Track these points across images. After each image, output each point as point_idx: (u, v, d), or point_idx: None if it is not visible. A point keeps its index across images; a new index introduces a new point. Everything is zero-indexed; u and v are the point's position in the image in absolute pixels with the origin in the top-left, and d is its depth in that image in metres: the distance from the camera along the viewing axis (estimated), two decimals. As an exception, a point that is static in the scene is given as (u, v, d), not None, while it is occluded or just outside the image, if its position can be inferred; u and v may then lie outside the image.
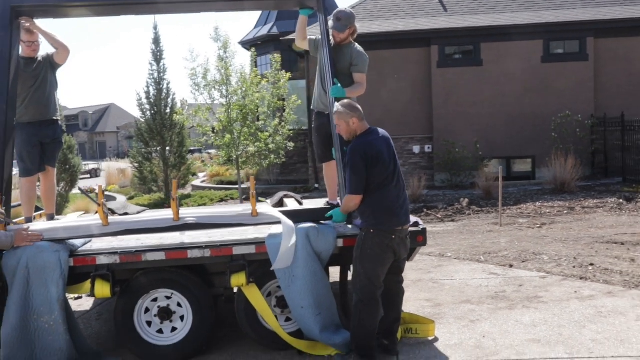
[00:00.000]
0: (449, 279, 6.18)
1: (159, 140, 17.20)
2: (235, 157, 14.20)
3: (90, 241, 4.47)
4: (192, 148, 22.80)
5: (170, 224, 4.21)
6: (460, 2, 16.44)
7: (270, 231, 4.26)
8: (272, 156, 14.51)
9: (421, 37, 15.03)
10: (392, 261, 3.96)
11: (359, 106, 4.08)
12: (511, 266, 6.59)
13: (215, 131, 14.41)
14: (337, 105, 4.11)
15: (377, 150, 3.90)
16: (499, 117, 14.84)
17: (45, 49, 5.19)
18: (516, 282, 5.91)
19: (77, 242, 4.34)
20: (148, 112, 17.12)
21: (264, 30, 20.36)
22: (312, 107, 5.12)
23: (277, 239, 4.12)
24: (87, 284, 4.24)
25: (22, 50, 4.91)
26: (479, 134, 14.72)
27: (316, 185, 15.91)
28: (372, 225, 3.87)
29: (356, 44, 4.88)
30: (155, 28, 17.24)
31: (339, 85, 4.55)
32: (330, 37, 4.81)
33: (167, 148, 17.30)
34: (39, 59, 5.11)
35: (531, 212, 10.80)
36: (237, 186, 16.31)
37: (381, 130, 4.10)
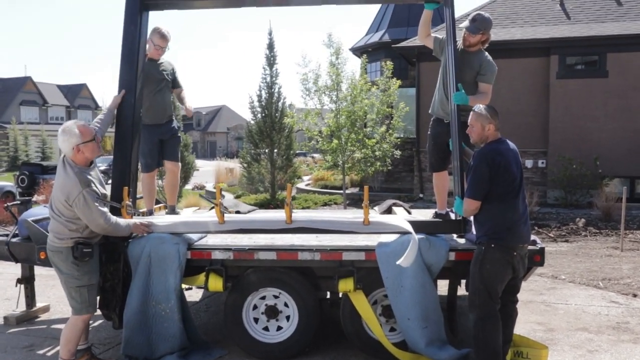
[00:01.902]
0: (563, 303, 5.81)
1: (267, 142, 17.71)
2: (341, 162, 14.32)
3: (205, 236, 4.70)
4: (297, 151, 23.36)
5: (282, 226, 4.30)
6: (585, 10, 15.51)
7: (380, 239, 4.23)
8: (378, 163, 14.46)
9: (540, 46, 14.34)
10: (509, 279, 3.78)
11: (498, 115, 3.93)
12: (635, 295, 6.08)
13: (323, 135, 14.63)
14: (479, 106, 3.97)
15: (506, 160, 3.75)
16: (622, 132, 13.79)
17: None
18: (641, 313, 5.44)
19: (194, 236, 4.57)
20: (259, 115, 17.69)
21: (375, 37, 20.40)
22: (430, 112, 5.00)
23: (387, 248, 4.09)
24: (201, 277, 4.43)
25: (149, 50, 5.19)
26: (599, 150, 13.76)
27: (420, 195, 15.66)
28: (494, 240, 3.71)
29: (486, 53, 4.68)
30: (270, 34, 17.80)
31: (463, 91, 4.36)
32: (459, 39, 4.62)
33: (275, 150, 17.79)
34: (162, 62, 5.41)
35: (658, 238, 9.92)
36: (341, 191, 16.45)
37: (511, 143, 3.94)
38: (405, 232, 4.16)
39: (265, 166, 18.08)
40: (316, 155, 28.90)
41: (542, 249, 4.18)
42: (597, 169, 13.58)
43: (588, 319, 5.27)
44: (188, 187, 19.76)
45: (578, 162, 13.61)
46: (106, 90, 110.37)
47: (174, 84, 5.55)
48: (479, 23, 4.52)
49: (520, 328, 4.94)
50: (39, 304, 5.90)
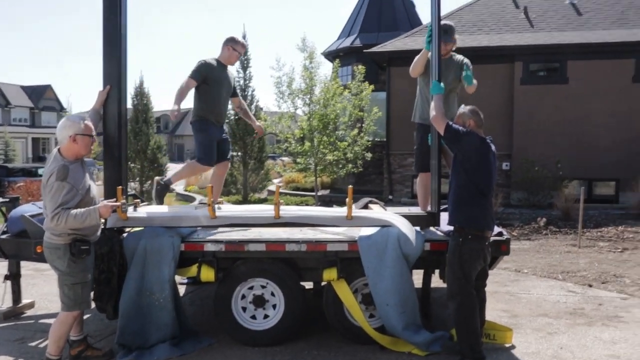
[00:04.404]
0: (525, 293, 6.27)
1: (240, 145, 17.95)
2: (313, 164, 14.65)
3: (196, 230, 4.96)
4: (269, 154, 23.57)
5: (271, 221, 4.62)
6: (547, 19, 16.23)
7: (361, 232, 4.58)
8: (350, 165, 14.85)
9: (505, 53, 14.96)
10: (481, 266, 4.19)
11: (481, 114, 4.30)
12: (590, 286, 6.58)
13: (296, 138, 14.94)
14: (462, 107, 4.36)
15: (488, 150, 4.13)
16: (582, 137, 14.51)
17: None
18: (595, 301, 5.93)
19: (185, 230, 4.83)
20: (232, 118, 17.91)
21: (347, 42, 20.84)
22: (412, 120, 5.32)
23: (369, 239, 4.44)
24: (193, 268, 4.69)
25: (228, 56, 5.49)
26: (561, 154, 14.43)
27: (390, 197, 16.10)
28: (472, 230, 4.08)
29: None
30: (244, 37, 18.06)
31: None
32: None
33: (247, 153, 18.03)
34: (229, 70, 5.69)
35: (612, 235, 10.54)
36: (312, 193, 16.79)
37: (492, 144, 4.31)
38: (385, 225, 4.52)
39: (237, 168, 18.29)
40: (285, 159, 29.15)
41: (508, 239, 4.60)
42: (558, 171, 14.24)
43: (548, 306, 5.73)
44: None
45: (540, 164, 14.25)
46: (72, 91, 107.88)
47: (234, 92, 5.85)
48: (452, 32, 4.93)
49: (487, 315, 5.31)
50: (24, 301, 6.04)
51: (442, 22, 4.97)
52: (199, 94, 5.41)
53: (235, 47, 5.46)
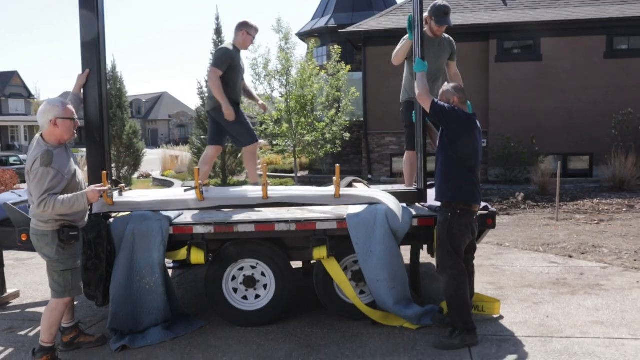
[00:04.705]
0: (509, 266, 6.41)
1: (218, 128, 17.77)
2: (292, 145, 14.64)
3: (182, 214, 4.94)
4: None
5: (260, 202, 4.62)
6: (520, -3, 16.37)
7: (349, 210, 4.61)
8: (329, 146, 14.88)
9: (480, 31, 15.08)
10: (470, 240, 4.26)
11: (464, 90, 4.35)
12: (570, 257, 6.75)
13: (273, 120, 14.88)
14: (445, 84, 4.41)
15: (474, 125, 4.17)
16: (557, 113, 14.76)
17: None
18: (577, 270, 6.09)
19: (172, 213, 4.80)
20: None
21: (322, 22, 20.71)
22: (401, 100, 5.35)
23: (357, 217, 4.48)
24: (183, 251, 4.67)
25: (243, 41, 5.54)
26: (536, 130, 14.68)
27: (369, 176, 16.20)
28: (460, 204, 4.14)
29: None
30: (217, 18, 17.80)
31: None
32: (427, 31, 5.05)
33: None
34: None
35: (588, 208, 10.80)
36: (291, 174, 16.79)
37: (477, 121, 4.36)
38: (373, 202, 4.56)
39: (215, 152, 18.13)
40: (262, 141, 28.99)
41: (494, 213, 4.68)
42: (534, 147, 14.49)
43: (532, 278, 5.87)
44: (134, 175, 19.52)
45: (516, 141, 14.48)
46: (40, 78, 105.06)
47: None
48: (450, 14, 5.05)
49: (474, 288, 5.47)
50: (9, 290, 5.96)
51: (439, 3, 5.02)
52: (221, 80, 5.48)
53: (249, 32, 5.54)
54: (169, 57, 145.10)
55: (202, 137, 18.20)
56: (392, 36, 15.31)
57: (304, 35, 21.16)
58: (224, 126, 5.58)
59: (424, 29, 4.95)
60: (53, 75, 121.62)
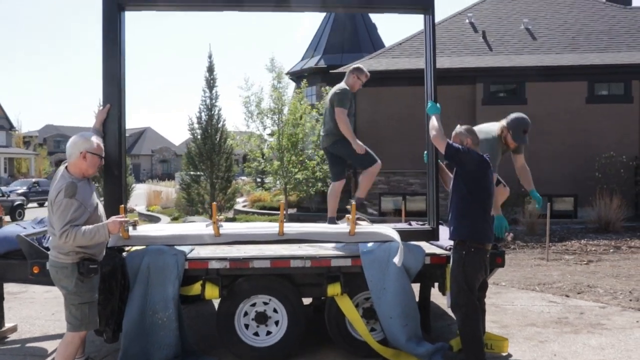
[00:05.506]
0: (510, 305, 6.51)
1: (207, 164, 17.84)
2: (283, 183, 14.74)
3: (194, 249, 4.97)
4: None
5: (275, 238, 4.69)
6: (505, 42, 16.97)
7: (361, 247, 4.69)
8: (319, 184, 15.01)
9: (466, 74, 15.53)
10: (482, 278, 4.36)
11: (475, 132, 4.51)
12: (568, 296, 6.89)
13: (265, 157, 15.02)
14: (458, 127, 4.56)
15: (486, 165, 4.32)
16: (541, 155, 15.12)
17: None
18: (577, 310, 6.21)
19: (186, 248, 4.83)
20: (199, 137, 17.81)
21: (311, 63, 21.15)
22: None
23: (371, 254, 4.57)
24: (197, 286, 4.69)
25: (353, 84, 5.82)
26: (522, 171, 14.95)
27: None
28: (475, 243, 4.25)
29: None
30: (210, 57, 18.08)
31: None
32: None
33: (215, 172, 17.91)
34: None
35: (577, 249, 11.01)
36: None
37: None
38: (387, 240, 4.66)
39: (204, 187, 18.15)
40: (245, 178, 29.07)
41: (503, 252, 4.82)
42: (520, 188, 14.72)
43: (534, 316, 5.97)
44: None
45: (503, 182, 14.71)
46: (22, 109, 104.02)
47: None
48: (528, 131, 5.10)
49: (485, 325, 5.54)
50: (7, 324, 5.86)
51: (520, 117, 5.01)
52: None
53: (359, 77, 5.82)
54: (153, 92, 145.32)
55: (192, 172, 18.23)
56: (381, 77, 15.79)
57: (293, 75, 21.54)
58: (346, 157, 5.78)
59: (499, 133, 5.04)
60: (36, 107, 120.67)
